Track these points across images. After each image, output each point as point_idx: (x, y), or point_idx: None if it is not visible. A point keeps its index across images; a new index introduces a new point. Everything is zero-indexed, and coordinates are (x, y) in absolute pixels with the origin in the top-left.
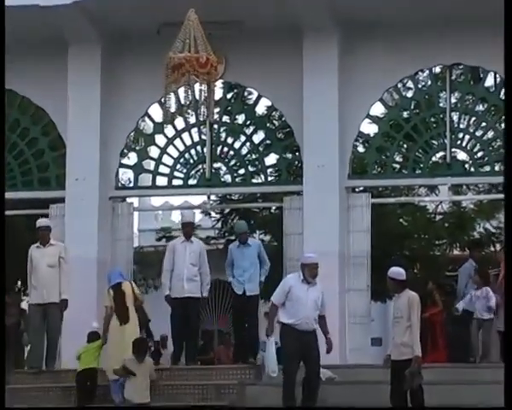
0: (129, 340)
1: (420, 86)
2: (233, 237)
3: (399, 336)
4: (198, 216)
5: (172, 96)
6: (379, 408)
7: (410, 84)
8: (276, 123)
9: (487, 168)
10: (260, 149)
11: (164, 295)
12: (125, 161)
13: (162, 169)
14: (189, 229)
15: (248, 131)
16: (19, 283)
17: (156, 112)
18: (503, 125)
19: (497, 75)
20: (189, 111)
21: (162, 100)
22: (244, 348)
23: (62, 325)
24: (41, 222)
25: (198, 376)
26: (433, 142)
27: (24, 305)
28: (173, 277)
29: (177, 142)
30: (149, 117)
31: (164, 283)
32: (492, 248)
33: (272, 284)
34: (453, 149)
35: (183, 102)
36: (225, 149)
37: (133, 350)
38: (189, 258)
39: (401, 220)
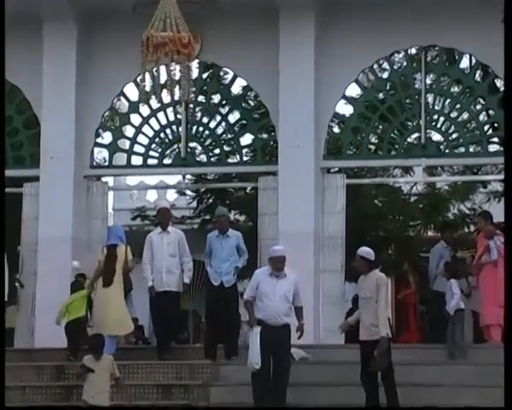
0: (111, 303)
1: (395, 67)
2: (208, 217)
3: (368, 317)
4: (173, 196)
5: (147, 74)
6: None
7: (385, 65)
8: (251, 103)
9: (462, 150)
10: (236, 129)
11: (148, 286)
12: (99, 140)
13: (137, 148)
14: (164, 216)
15: (224, 111)
16: None
17: (131, 91)
18: (477, 106)
19: (473, 57)
20: (166, 90)
21: (139, 79)
22: (216, 343)
23: (36, 304)
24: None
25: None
26: (408, 123)
27: None
28: (153, 269)
29: (153, 121)
30: (124, 96)
31: (145, 276)
32: (466, 230)
33: (247, 266)
34: (428, 131)
35: (162, 81)
36: (200, 129)
37: (89, 348)
38: (167, 249)
39: (376, 201)
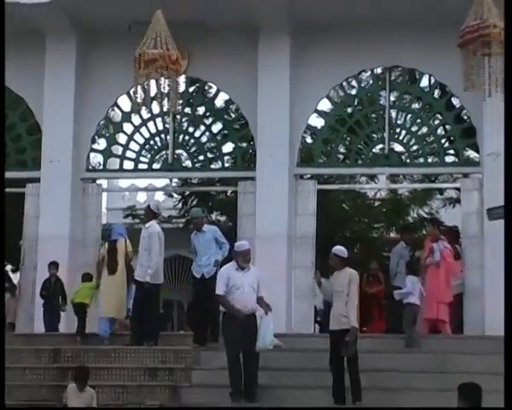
0: (112, 289)
1: (362, 85)
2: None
3: (339, 308)
4: (161, 197)
5: (139, 87)
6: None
7: (353, 83)
8: (232, 115)
9: (421, 160)
10: (218, 138)
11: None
12: (95, 146)
13: (129, 154)
14: (145, 212)
15: (208, 121)
16: None
17: (124, 102)
18: (436, 121)
19: (432, 77)
20: (156, 102)
21: (131, 91)
22: (200, 332)
23: (35, 294)
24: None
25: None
26: (374, 135)
27: None
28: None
29: (143, 130)
30: (118, 107)
31: None
32: (424, 232)
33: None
34: (391, 143)
35: (152, 94)
36: (186, 138)
37: (74, 378)
38: (142, 242)
39: (344, 205)
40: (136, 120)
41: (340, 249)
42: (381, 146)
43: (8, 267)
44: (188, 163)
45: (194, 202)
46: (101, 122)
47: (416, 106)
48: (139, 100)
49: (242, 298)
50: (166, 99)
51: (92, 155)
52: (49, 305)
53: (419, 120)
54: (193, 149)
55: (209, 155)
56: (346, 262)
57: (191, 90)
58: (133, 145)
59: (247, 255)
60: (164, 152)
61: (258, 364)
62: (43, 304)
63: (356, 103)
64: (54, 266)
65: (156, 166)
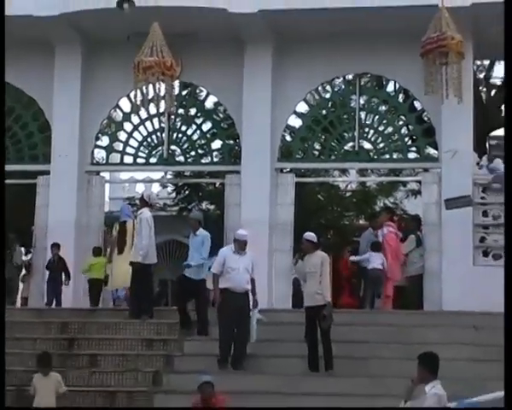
0: (124, 263)
1: (335, 90)
2: (184, 206)
3: (313, 287)
4: (157, 188)
5: (138, 91)
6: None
7: (327, 87)
8: (220, 115)
9: (387, 156)
10: (208, 136)
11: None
12: (99, 142)
13: (129, 150)
14: (139, 201)
15: (198, 121)
16: None
17: (125, 104)
18: (400, 122)
19: (396, 83)
20: (152, 104)
21: (131, 94)
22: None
23: (46, 273)
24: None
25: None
26: (345, 134)
27: None
28: None
29: (142, 128)
30: (119, 108)
31: None
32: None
33: (215, 245)
34: (360, 141)
35: (149, 96)
36: (180, 135)
37: (37, 364)
38: (136, 227)
39: (319, 196)
40: (135, 119)
41: (310, 235)
42: (351, 144)
43: (22, 249)
44: (181, 158)
45: (186, 193)
46: (104, 121)
47: (382, 108)
48: (138, 102)
49: (237, 278)
50: (162, 101)
51: (96, 150)
52: (52, 280)
53: (385, 121)
54: (185, 145)
55: (200, 151)
56: (317, 246)
57: (184, 93)
58: (132, 142)
59: (244, 245)
60: (160, 148)
61: (248, 337)
62: (47, 280)
63: (329, 106)
64: (56, 247)
65: (153, 160)
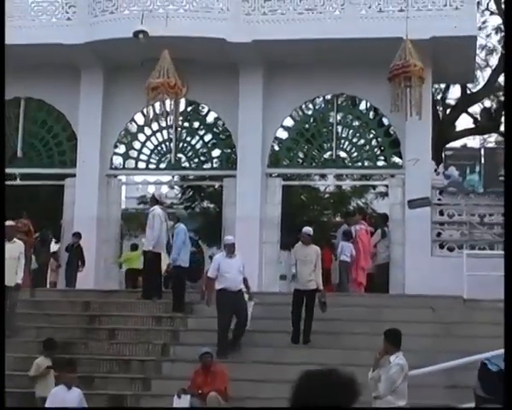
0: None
1: (316, 107)
2: (188, 204)
3: (307, 274)
4: (166, 189)
5: (150, 107)
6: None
7: (310, 105)
8: (220, 128)
9: (359, 164)
10: (209, 145)
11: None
12: (117, 150)
13: (142, 157)
14: (150, 200)
15: (201, 133)
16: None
17: (139, 118)
18: (370, 135)
19: (368, 102)
20: (162, 118)
21: (144, 110)
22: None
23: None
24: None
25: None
26: (324, 145)
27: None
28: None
29: (153, 139)
30: (134, 121)
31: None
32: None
33: (215, 237)
34: (337, 150)
35: (158, 111)
36: (185, 145)
37: (44, 348)
38: (147, 222)
39: (302, 197)
40: (147, 131)
41: (309, 230)
42: (329, 153)
43: (53, 240)
44: (186, 164)
45: (190, 194)
46: (122, 133)
47: (356, 123)
48: (150, 116)
49: (232, 278)
50: (170, 116)
51: (114, 157)
52: (70, 265)
53: (358, 134)
54: (190, 153)
55: (202, 158)
56: (312, 239)
57: (189, 109)
58: (145, 150)
59: (232, 247)
60: (168, 155)
61: (246, 323)
62: (65, 264)
63: (311, 121)
64: (76, 235)
65: (162, 165)
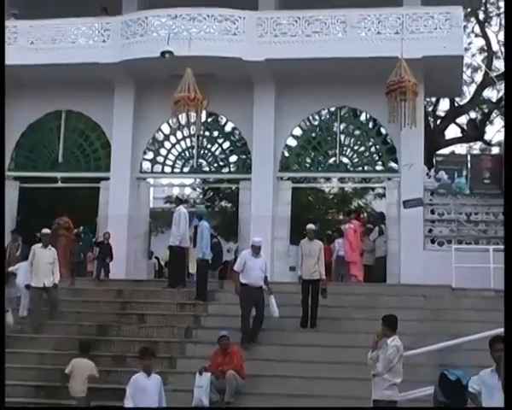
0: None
1: (322, 118)
2: (208, 204)
3: (311, 266)
4: (188, 191)
5: (175, 118)
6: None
7: (316, 117)
8: (236, 137)
9: (360, 168)
10: (227, 152)
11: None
12: (146, 156)
13: (168, 162)
14: (174, 200)
15: (220, 141)
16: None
17: (165, 128)
18: (369, 143)
19: (368, 113)
20: (185, 128)
21: (170, 121)
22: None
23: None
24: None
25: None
26: (329, 151)
27: None
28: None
29: (177, 146)
30: (161, 131)
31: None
32: (361, 215)
33: (232, 232)
34: (340, 156)
35: (183, 122)
36: (206, 151)
37: (79, 350)
38: (173, 220)
39: (309, 198)
40: (172, 139)
41: (313, 226)
42: (333, 159)
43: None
44: (206, 168)
45: (210, 194)
46: (150, 141)
47: (357, 132)
48: (174, 127)
49: (254, 276)
50: (193, 126)
51: (144, 162)
52: (100, 259)
53: (359, 142)
54: (210, 159)
55: (220, 163)
56: (317, 234)
57: (209, 120)
58: (170, 156)
59: (258, 249)
60: (191, 161)
61: (263, 316)
62: (96, 257)
63: (317, 130)
64: (107, 233)
65: (185, 169)
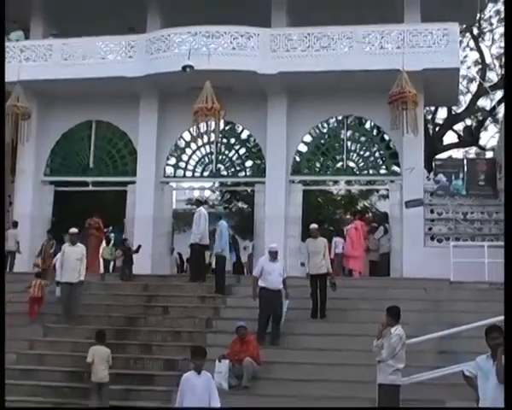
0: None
1: (330, 126)
2: (226, 205)
3: (317, 262)
4: (208, 193)
5: (195, 127)
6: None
7: (325, 125)
8: (252, 144)
9: (365, 172)
10: (243, 157)
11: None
12: (169, 162)
13: (189, 167)
14: (195, 202)
15: (236, 147)
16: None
17: (187, 135)
18: (374, 149)
19: (372, 121)
20: (205, 135)
21: (191, 129)
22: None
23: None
24: None
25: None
26: (337, 156)
27: None
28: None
29: (198, 152)
30: (183, 138)
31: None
32: (366, 215)
33: (248, 232)
34: (347, 161)
35: (203, 130)
36: (224, 157)
37: (96, 338)
38: (194, 220)
39: (318, 199)
40: (193, 146)
41: (315, 226)
42: (341, 163)
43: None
44: (224, 172)
45: (228, 196)
46: (172, 148)
47: (362, 139)
48: (195, 134)
49: (272, 280)
50: (212, 134)
51: (167, 167)
52: (124, 262)
53: (364, 148)
54: (227, 164)
55: (237, 168)
56: (321, 232)
57: (227, 128)
58: (191, 161)
59: (275, 253)
60: (210, 166)
61: (282, 317)
62: (121, 255)
63: (326, 137)
64: (126, 241)
65: (205, 174)
